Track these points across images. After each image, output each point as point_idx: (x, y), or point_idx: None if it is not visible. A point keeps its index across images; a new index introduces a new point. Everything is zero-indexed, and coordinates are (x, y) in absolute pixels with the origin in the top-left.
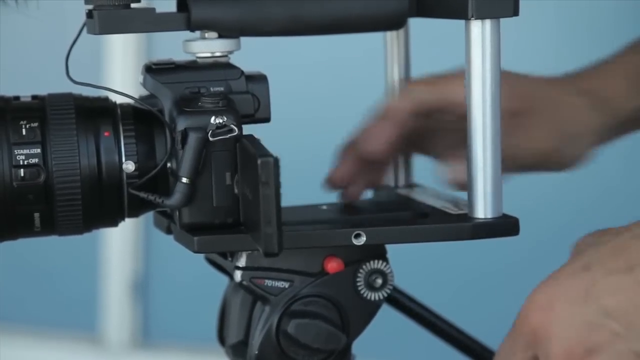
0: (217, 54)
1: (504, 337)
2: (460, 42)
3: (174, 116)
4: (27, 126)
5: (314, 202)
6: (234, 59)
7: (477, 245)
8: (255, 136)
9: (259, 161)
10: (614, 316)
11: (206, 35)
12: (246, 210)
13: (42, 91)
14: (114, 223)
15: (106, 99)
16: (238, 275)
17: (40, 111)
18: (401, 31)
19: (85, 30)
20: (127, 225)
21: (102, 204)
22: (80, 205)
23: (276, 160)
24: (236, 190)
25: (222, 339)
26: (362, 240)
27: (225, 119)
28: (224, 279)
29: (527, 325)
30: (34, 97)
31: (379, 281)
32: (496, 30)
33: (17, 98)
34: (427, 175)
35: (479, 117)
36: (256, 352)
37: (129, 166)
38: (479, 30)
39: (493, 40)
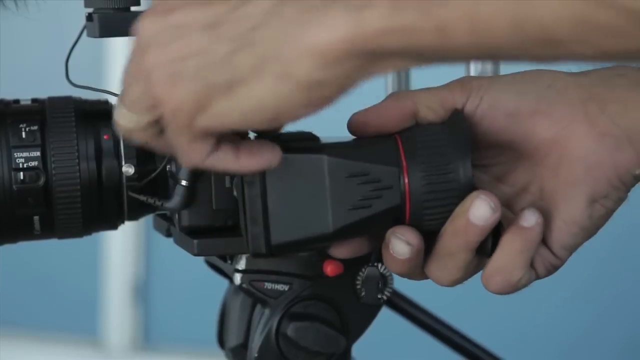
0: None
1: (502, 339)
2: None
3: None
4: (27, 129)
5: None
6: None
7: None
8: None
9: None
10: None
11: None
12: (240, 212)
13: (42, 94)
14: (114, 226)
15: (106, 102)
16: (237, 278)
17: (40, 114)
18: None
19: (85, 33)
20: (128, 229)
21: (101, 207)
22: (79, 209)
23: None
24: (235, 193)
25: (221, 342)
26: None
27: None
28: (224, 282)
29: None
30: (34, 100)
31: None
32: None
33: (16, 101)
34: None
35: None
36: (256, 355)
37: (129, 169)
38: None
39: None
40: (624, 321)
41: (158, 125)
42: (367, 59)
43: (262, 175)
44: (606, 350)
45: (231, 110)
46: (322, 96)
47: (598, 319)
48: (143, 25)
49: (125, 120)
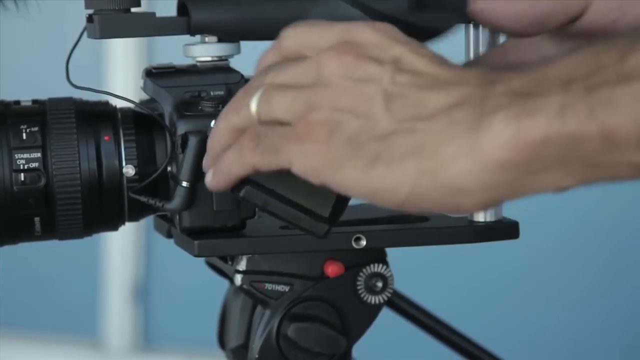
0: (217, 58)
1: (503, 340)
2: (460, 44)
3: (174, 120)
4: (28, 130)
5: None
6: (233, 63)
7: (477, 248)
8: None
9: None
10: None
11: (206, 39)
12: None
13: (43, 95)
14: (115, 227)
15: (106, 103)
16: (238, 279)
17: (41, 115)
18: None
19: (85, 34)
20: (128, 230)
21: (102, 208)
22: (80, 210)
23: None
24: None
25: (222, 342)
26: (363, 243)
27: None
28: (225, 283)
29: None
30: (35, 101)
31: (379, 285)
32: (494, 32)
33: (17, 102)
34: None
35: None
36: (256, 356)
37: (129, 170)
38: (477, 33)
39: (491, 43)
40: (625, 324)
41: (271, 132)
42: (523, 171)
43: (262, 187)
44: (607, 352)
45: (360, 182)
46: (456, 202)
47: (599, 321)
48: (330, 61)
49: (254, 104)
